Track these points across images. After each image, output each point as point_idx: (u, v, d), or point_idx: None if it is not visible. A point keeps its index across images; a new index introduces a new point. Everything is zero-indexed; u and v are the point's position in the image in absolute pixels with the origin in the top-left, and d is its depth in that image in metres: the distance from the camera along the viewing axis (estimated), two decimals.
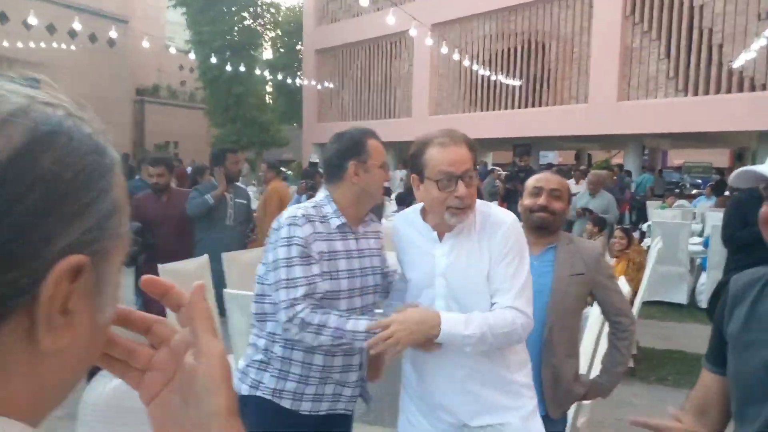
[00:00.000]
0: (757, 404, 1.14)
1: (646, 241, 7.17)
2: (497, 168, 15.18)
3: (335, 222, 1.88)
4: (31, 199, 0.38)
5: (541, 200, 2.19)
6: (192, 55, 19.96)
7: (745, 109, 12.89)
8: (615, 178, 12.04)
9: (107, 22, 20.25)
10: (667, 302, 6.78)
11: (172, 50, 17.19)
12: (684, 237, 7.02)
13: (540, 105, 17.01)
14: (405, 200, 9.52)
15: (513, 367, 1.78)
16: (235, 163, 4.55)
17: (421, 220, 1.81)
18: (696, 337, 5.66)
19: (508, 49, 17.74)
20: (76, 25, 13.55)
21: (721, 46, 13.57)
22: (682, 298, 6.84)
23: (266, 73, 22.02)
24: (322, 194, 1.96)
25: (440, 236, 1.76)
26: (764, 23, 12.11)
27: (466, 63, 16.05)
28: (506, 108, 17.71)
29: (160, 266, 3.09)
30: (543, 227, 2.18)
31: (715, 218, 8.32)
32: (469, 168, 1.68)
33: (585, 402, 2.49)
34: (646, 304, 6.32)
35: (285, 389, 1.90)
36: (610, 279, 2.26)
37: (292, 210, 1.88)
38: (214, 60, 17.40)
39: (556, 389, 2.12)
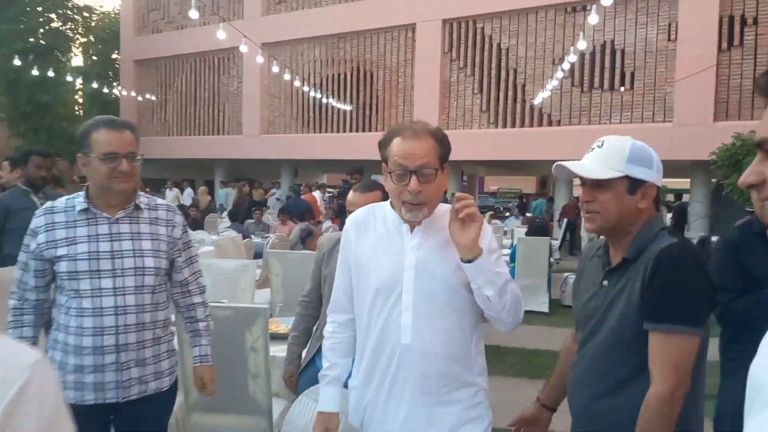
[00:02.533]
0: (579, 330, 1.67)
1: None
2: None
3: (78, 208, 2.01)
4: None
5: None
6: None
7: (543, 141, 14.69)
8: None
9: None
10: None
11: None
12: None
13: (370, 130, 17.71)
14: (237, 217, 9.31)
15: (476, 370, 1.73)
16: (38, 167, 4.05)
17: (393, 211, 1.72)
18: (517, 334, 6.27)
19: (338, 75, 18.27)
20: None
21: (524, 86, 15.36)
22: None
23: (77, 81, 20.13)
24: None
25: (411, 228, 1.69)
26: (557, 68, 13.93)
27: (297, 84, 16.21)
28: (338, 131, 18.15)
29: None
30: None
31: (520, 232, 10.08)
32: (425, 163, 1.59)
33: None
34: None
35: None
36: None
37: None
38: (17, 62, 15.44)
39: None
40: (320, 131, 18.50)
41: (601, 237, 1.68)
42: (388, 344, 1.64)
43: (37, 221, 2.04)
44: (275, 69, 14.98)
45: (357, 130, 17.91)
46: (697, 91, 12.60)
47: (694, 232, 14.15)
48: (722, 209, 12.47)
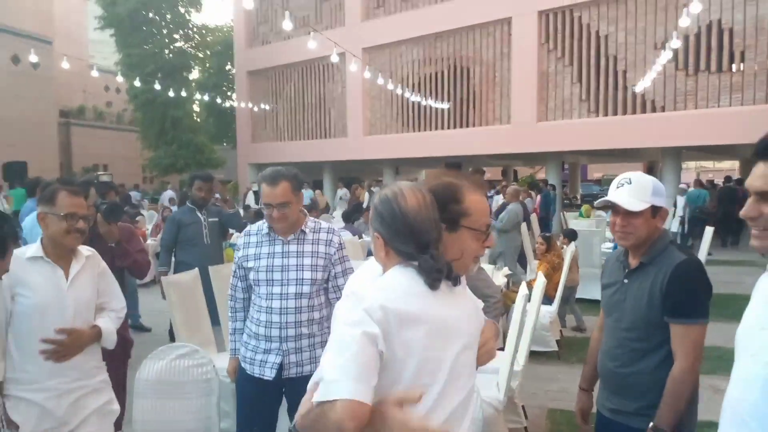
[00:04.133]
0: (608, 317, 2.20)
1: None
2: None
3: (264, 231, 2.72)
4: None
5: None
6: (120, 78, 19.82)
7: (647, 128, 14.39)
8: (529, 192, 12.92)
9: (30, 43, 19.84)
10: (585, 298, 7.65)
11: (95, 73, 17.05)
12: (597, 242, 7.97)
13: (467, 126, 18.11)
14: (350, 217, 10.10)
15: None
16: (199, 189, 4.97)
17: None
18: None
19: (436, 73, 18.78)
20: None
21: (625, 72, 15.09)
22: (597, 294, 7.70)
23: (200, 95, 22.13)
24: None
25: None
26: (660, 52, 13.60)
27: (397, 86, 16.91)
28: (436, 129, 18.70)
29: (163, 278, 3.58)
30: None
31: None
32: None
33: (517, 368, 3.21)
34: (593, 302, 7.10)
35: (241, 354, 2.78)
36: (477, 271, 2.95)
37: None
38: (157, 86, 17.34)
39: None
40: (419, 129, 19.12)
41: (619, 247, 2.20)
42: None
43: (240, 240, 2.78)
44: (368, 74, 15.68)
45: (454, 127, 18.36)
46: None
47: None
48: None
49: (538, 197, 14.44)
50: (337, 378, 1.20)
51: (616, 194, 2.04)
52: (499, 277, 5.47)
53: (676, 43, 11.23)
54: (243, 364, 2.73)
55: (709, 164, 25.57)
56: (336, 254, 2.74)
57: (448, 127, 18.47)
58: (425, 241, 1.36)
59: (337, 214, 13.54)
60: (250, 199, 18.06)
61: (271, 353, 2.63)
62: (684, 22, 10.14)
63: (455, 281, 1.40)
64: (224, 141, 29.30)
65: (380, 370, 1.26)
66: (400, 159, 20.45)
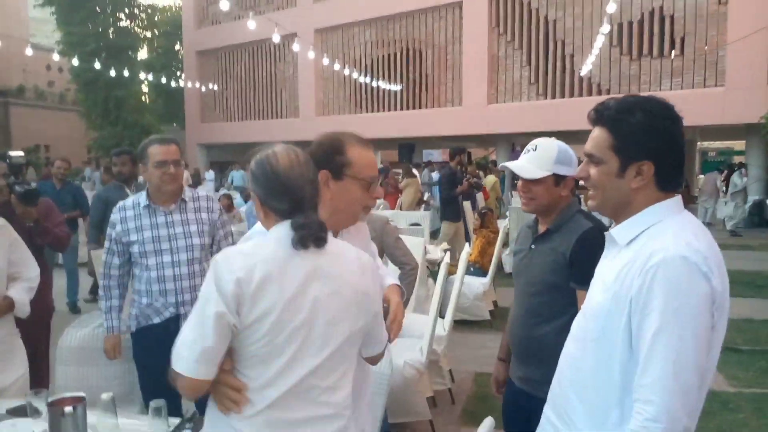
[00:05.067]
0: (517, 282, 2.19)
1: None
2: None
3: (142, 204, 2.70)
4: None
5: None
6: (56, 56, 19.03)
7: None
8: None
9: None
10: None
11: (29, 51, 16.21)
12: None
13: (420, 107, 18.22)
14: None
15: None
16: (115, 165, 4.92)
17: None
18: None
19: (388, 55, 18.79)
20: None
21: (572, 56, 15.43)
22: None
23: (145, 75, 21.49)
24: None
25: (335, 234, 1.69)
26: (604, 37, 13.94)
27: (349, 68, 16.84)
28: (389, 110, 18.74)
29: (92, 252, 3.51)
30: None
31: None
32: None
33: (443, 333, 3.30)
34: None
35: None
36: (395, 240, 3.09)
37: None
38: (97, 66, 16.72)
39: None
40: (372, 111, 19.12)
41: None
42: None
43: (114, 216, 2.72)
44: (312, 54, 15.57)
45: (407, 108, 18.43)
46: (750, 54, 12.40)
47: (751, 195, 13.99)
48: None
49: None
50: (184, 355, 1.31)
51: (519, 160, 2.06)
52: (437, 251, 5.58)
53: (606, 27, 11.65)
54: (137, 329, 2.73)
55: None
56: (218, 219, 2.84)
57: (401, 109, 18.54)
58: (299, 197, 1.40)
59: None
60: (211, 176, 17.94)
61: (170, 323, 2.65)
62: (611, 8, 10.52)
63: (320, 242, 1.37)
64: (174, 122, 28.63)
65: (234, 335, 1.33)
66: None
